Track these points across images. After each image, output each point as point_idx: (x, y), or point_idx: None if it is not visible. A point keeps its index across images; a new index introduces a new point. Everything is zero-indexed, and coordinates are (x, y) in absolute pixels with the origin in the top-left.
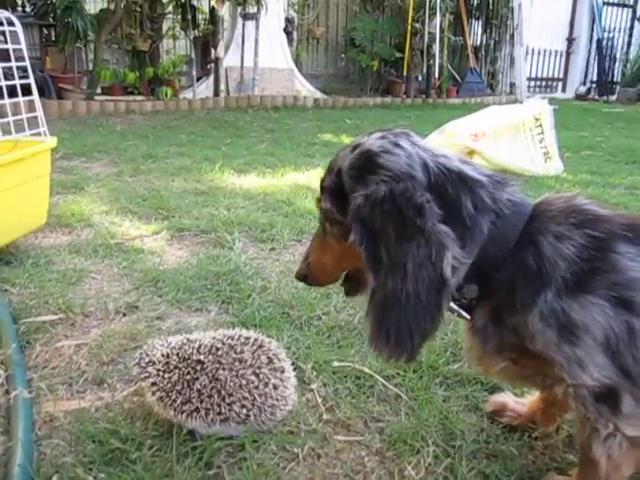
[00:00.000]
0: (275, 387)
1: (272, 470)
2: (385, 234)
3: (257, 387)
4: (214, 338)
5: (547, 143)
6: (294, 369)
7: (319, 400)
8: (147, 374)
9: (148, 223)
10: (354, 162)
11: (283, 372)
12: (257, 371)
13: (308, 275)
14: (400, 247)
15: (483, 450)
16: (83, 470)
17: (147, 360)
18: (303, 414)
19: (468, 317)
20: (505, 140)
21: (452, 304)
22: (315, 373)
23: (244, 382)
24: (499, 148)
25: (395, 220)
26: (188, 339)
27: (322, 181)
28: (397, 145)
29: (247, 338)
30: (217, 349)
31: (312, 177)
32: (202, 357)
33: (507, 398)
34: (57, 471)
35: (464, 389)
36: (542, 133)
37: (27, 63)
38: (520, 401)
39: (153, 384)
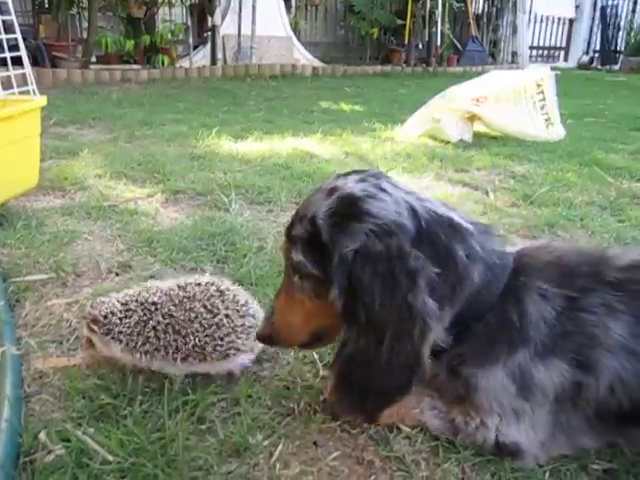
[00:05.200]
0: (227, 316)
1: (267, 425)
2: (370, 295)
3: (206, 318)
4: (170, 285)
5: (549, 109)
6: None
7: (316, 356)
8: (110, 326)
9: (143, 186)
10: (334, 208)
11: (237, 303)
12: (206, 303)
13: (272, 336)
14: (383, 313)
15: None
16: (72, 425)
17: (104, 314)
18: (299, 370)
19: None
20: (506, 105)
21: None
22: None
23: (193, 315)
24: (500, 113)
25: (385, 283)
26: (146, 287)
27: (289, 229)
28: (381, 189)
29: (200, 282)
30: (171, 290)
31: (310, 142)
32: (156, 299)
33: None
34: (45, 426)
35: None
36: (544, 99)
37: (13, 17)
38: None
39: (119, 332)
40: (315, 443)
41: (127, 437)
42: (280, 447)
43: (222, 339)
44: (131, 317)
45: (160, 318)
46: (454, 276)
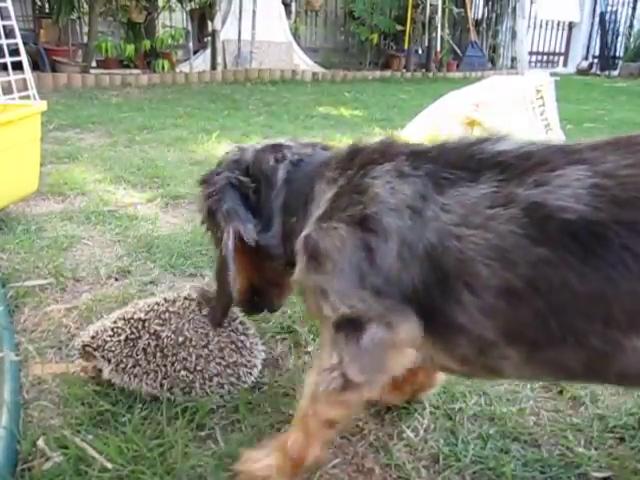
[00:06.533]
0: (220, 349)
1: (266, 431)
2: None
3: (195, 346)
4: (157, 300)
5: (548, 115)
6: (289, 332)
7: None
8: (99, 342)
9: (142, 191)
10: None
11: (233, 329)
12: (196, 324)
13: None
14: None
15: (485, 412)
16: (71, 432)
17: (92, 335)
18: (299, 376)
19: None
20: (506, 110)
21: None
22: (312, 336)
23: (182, 339)
24: (500, 118)
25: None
26: (135, 303)
27: None
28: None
29: (192, 297)
30: (157, 304)
31: None
32: (143, 315)
33: None
34: (44, 433)
35: None
36: (543, 105)
37: (13, 22)
38: None
39: (109, 351)
40: None
41: (126, 444)
42: None
43: (211, 379)
44: (120, 335)
45: (148, 337)
46: (265, 177)
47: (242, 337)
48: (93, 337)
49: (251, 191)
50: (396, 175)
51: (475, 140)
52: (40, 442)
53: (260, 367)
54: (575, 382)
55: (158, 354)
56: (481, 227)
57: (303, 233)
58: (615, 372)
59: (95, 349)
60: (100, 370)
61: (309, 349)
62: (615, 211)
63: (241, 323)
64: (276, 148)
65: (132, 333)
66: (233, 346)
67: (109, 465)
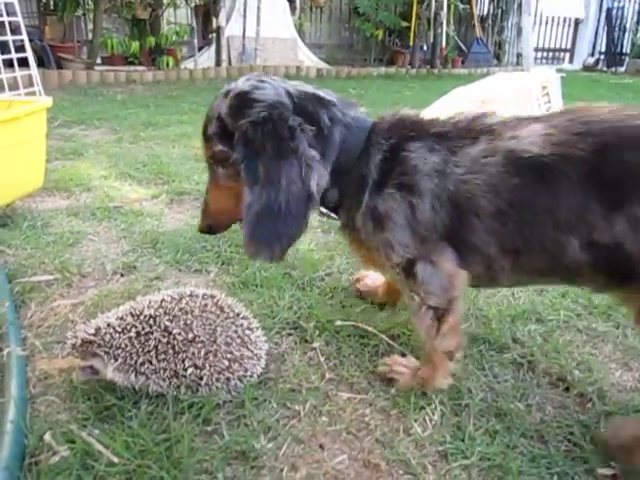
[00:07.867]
0: (227, 344)
1: (272, 427)
2: (264, 151)
3: (203, 341)
4: (163, 297)
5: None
6: (295, 328)
7: (321, 359)
8: (107, 339)
9: (148, 187)
10: (232, 104)
11: (238, 324)
12: (204, 322)
13: (212, 224)
14: (276, 163)
15: (491, 408)
16: (77, 426)
17: (93, 332)
18: (305, 372)
19: (336, 217)
20: (512, 107)
21: (322, 209)
22: (317, 332)
23: (191, 335)
24: (506, 115)
25: (273, 139)
26: (136, 301)
27: (204, 131)
28: (263, 81)
29: (197, 294)
30: (164, 302)
31: None
32: (152, 311)
33: (369, 276)
34: (51, 427)
35: (471, 349)
36: (549, 102)
37: (19, 18)
38: (375, 281)
39: (117, 348)
40: (321, 446)
41: (132, 439)
42: (286, 450)
43: (219, 373)
44: (129, 331)
45: (159, 334)
46: (321, 136)
47: (247, 332)
48: (95, 334)
49: (311, 138)
50: (427, 149)
51: (475, 115)
52: (47, 436)
53: (265, 358)
54: (548, 282)
55: (170, 351)
56: (479, 172)
57: (365, 201)
58: (565, 267)
59: (99, 346)
60: (97, 370)
61: (315, 345)
62: (555, 149)
63: (244, 318)
64: (321, 102)
65: (143, 329)
66: (239, 340)
67: (116, 459)
